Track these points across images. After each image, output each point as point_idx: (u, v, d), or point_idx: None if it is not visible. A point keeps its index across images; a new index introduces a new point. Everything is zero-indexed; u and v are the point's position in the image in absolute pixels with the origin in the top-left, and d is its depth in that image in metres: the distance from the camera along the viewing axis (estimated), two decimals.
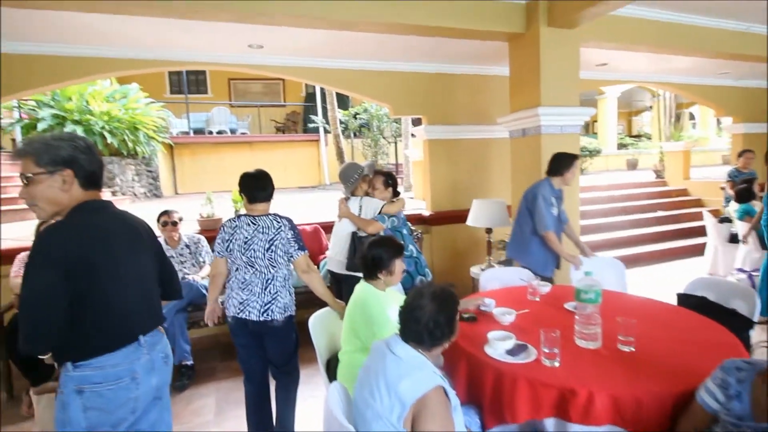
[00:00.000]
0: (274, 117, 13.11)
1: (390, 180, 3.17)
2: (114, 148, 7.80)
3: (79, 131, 7.30)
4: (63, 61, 3.65)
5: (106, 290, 1.45)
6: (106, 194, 7.79)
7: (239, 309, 2.24)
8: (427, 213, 4.93)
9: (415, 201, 7.03)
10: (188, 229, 4.13)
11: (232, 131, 11.68)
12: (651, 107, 16.14)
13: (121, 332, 1.50)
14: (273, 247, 2.20)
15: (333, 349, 2.27)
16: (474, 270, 4.19)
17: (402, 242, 2.51)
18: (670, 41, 4.11)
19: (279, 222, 2.24)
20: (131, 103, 8.26)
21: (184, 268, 3.55)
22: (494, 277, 3.02)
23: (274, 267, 2.22)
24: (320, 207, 6.61)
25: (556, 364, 1.70)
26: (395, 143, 11.12)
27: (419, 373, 1.34)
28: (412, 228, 4.26)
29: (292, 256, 2.23)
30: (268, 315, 2.21)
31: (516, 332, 1.95)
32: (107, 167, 7.99)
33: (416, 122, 9.73)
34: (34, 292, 1.34)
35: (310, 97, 13.11)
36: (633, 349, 1.81)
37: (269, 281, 2.23)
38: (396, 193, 3.20)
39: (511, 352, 1.77)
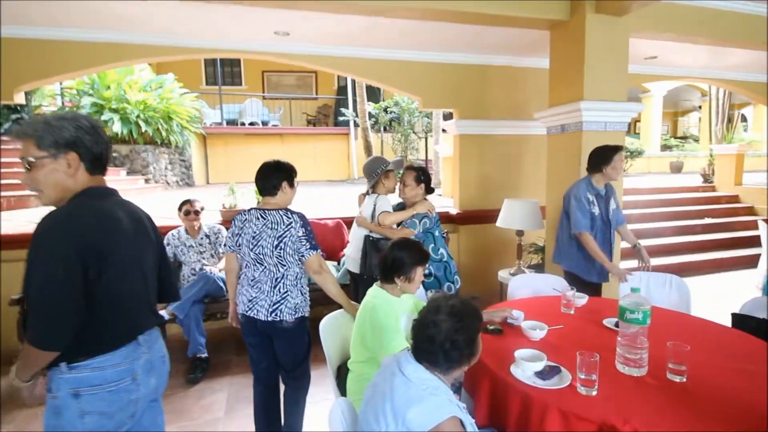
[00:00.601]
0: (305, 110, 13.12)
1: (422, 175, 2.86)
2: (148, 136, 7.95)
3: (116, 119, 7.46)
4: (87, 47, 3.63)
5: (111, 284, 1.34)
6: (139, 181, 7.95)
7: (248, 307, 2.14)
8: (454, 211, 4.73)
9: (443, 199, 6.81)
10: (211, 220, 4.08)
11: (264, 123, 11.72)
12: (700, 107, 15.15)
13: (122, 330, 1.40)
14: (282, 245, 2.06)
15: (345, 355, 2.11)
16: (502, 274, 3.95)
17: (433, 245, 2.31)
18: (729, 32, 3.71)
19: (290, 218, 2.09)
20: (166, 93, 8.38)
21: (203, 258, 3.48)
22: (525, 284, 2.80)
23: (284, 265, 2.09)
24: (347, 201, 6.49)
25: (594, 393, 1.47)
26: (426, 138, 10.87)
27: (432, 400, 1.15)
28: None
29: (303, 256, 2.09)
30: (277, 315, 2.09)
31: (547, 351, 1.73)
32: (141, 155, 8.15)
33: (447, 117, 9.45)
34: (49, 285, 1.23)
35: (342, 90, 13.03)
36: (684, 380, 1.56)
37: (279, 280, 2.10)
38: (430, 190, 2.91)
39: (542, 375, 1.56)
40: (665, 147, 13.87)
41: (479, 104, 4.58)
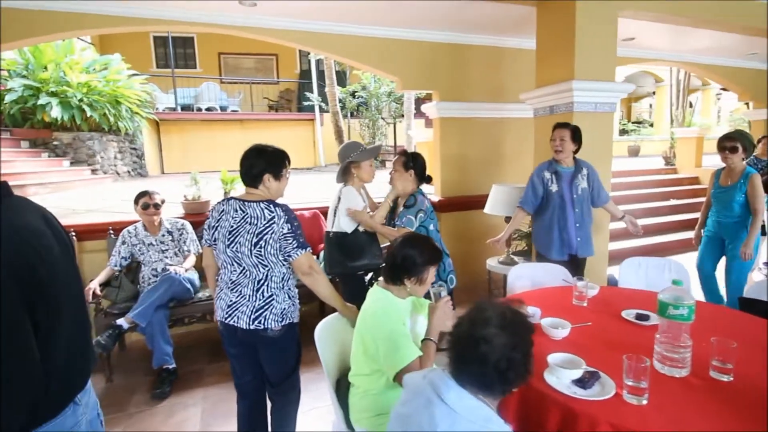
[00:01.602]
0: (267, 94, 12.58)
1: (411, 161, 2.52)
2: (94, 122, 7.24)
3: (55, 104, 6.71)
4: (33, 16, 3.10)
5: (51, 322, 0.96)
6: (85, 172, 7.24)
7: (227, 313, 1.86)
8: (436, 198, 4.53)
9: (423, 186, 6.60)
10: (172, 213, 3.70)
11: (223, 108, 11.15)
12: (654, 93, 15.72)
13: (64, 387, 1.04)
14: (262, 243, 1.78)
15: (344, 365, 1.85)
16: (491, 262, 3.81)
17: (431, 239, 2.06)
18: (712, 12, 3.66)
19: (272, 212, 1.80)
20: (113, 75, 7.65)
21: (166, 257, 3.12)
22: (524, 274, 2.64)
23: (266, 266, 1.82)
24: (316, 190, 6.18)
25: (644, 402, 1.30)
26: (394, 124, 10.66)
27: None
28: None
29: (289, 256, 1.82)
30: (260, 323, 1.82)
31: (575, 352, 1.55)
32: (86, 143, 7.42)
33: (418, 103, 9.25)
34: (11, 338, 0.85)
35: (305, 74, 12.57)
36: (732, 379, 1.42)
37: (261, 282, 1.83)
38: (425, 179, 2.61)
39: (581, 383, 1.37)
40: (623, 131, 14.31)
41: (460, 86, 4.39)
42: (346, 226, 2.55)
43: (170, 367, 2.81)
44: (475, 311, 1.07)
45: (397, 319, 1.60)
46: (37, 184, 5.90)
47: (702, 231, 3.44)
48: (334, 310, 1.98)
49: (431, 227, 2.60)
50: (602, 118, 3.27)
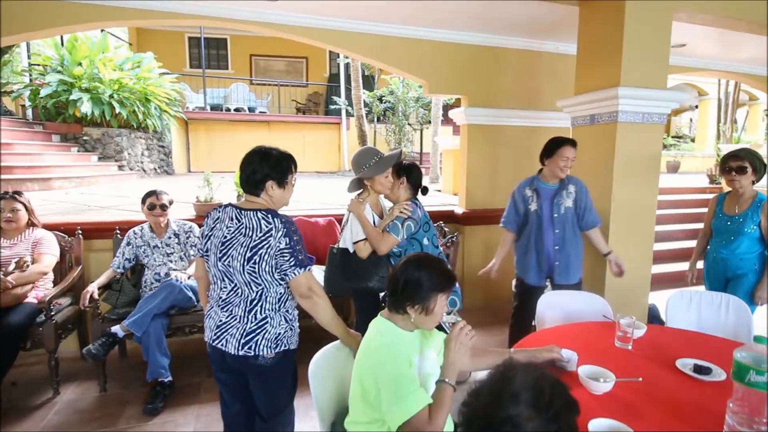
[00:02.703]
0: (295, 97, 12.64)
1: (402, 170, 2.37)
2: (123, 119, 7.33)
3: (86, 99, 6.79)
4: (57, 7, 3.04)
5: None
6: (112, 168, 7.30)
7: (215, 335, 1.67)
8: (459, 210, 4.27)
9: (444, 195, 6.35)
10: (186, 214, 3.60)
11: (251, 109, 11.24)
12: (696, 107, 14.91)
13: None
14: (256, 258, 1.58)
15: (343, 405, 1.60)
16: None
17: (442, 260, 1.80)
18: None
19: (270, 223, 1.60)
20: (144, 73, 7.74)
21: (170, 261, 2.97)
22: (555, 303, 2.33)
23: (259, 284, 1.62)
24: (338, 195, 6.00)
25: None
26: (421, 130, 10.44)
27: None
28: (443, 231, 3.57)
29: (286, 275, 1.61)
30: (250, 348, 1.62)
31: (620, 412, 1.26)
32: (115, 139, 7.49)
33: (447, 110, 8.98)
34: None
35: (334, 77, 12.54)
36: None
37: (254, 302, 1.63)
38: (419, 190, 2.44)
39: None
40: (663, 146, 13.60)
41: (491, 91, 4.14)
42: (351, 243, 2.32)
43: (165, 380, 2.63)
44: (499, 378, 0.80)
45: (403, 358, 1.36)
46: (63, 178, 5.94)
47: (696, 265, 2.95)
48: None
49: (425, 241, 2.36)
50: (651, 131, 2.96)
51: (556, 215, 2.65)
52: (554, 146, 2.59)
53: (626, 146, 2.89)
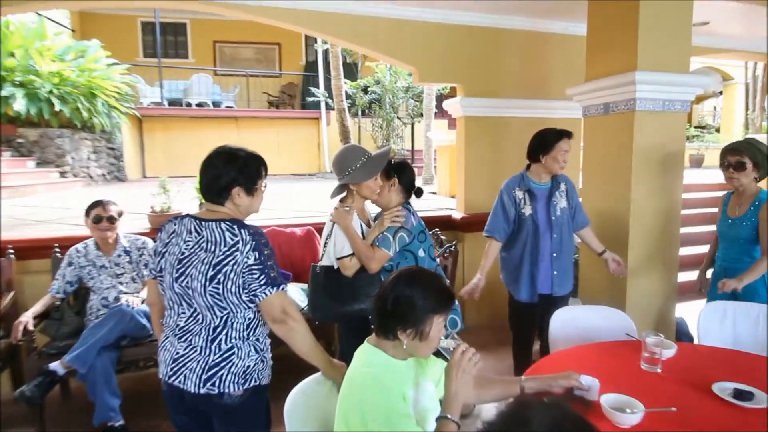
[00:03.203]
0: (266, 89, 12.60)
1: (393, 170, 2.35)
2: (65, 117, 7.23)
3: (20, 95, 6.66)
4: None
5: None
6: (52, 174, 7.17)
7: (171, 370, 1.61)
8: (458, 215, 4.28)
9: (439, 198, 6.36)
10: (137, 227, 3.56)
11: (215, 104, 11.21)
12: (720, 93, 15.21)
13: None
14: (220, 276, 1.54)
15: None
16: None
17: (438, 276, 1.78)
18: None
19: (236, 236, 1.56)
20: (89, 64, 7.63)
21: (120, 284, 2.92)
22: (570, 321, 2.33)
23: (224, 309, 1.58)
24: (318, 200, 5.96)
25: None
26: (412, 124, 10.47)
27: None
28: (439, 239, 3.55)
29: (255, 296, 1.57)
30: (214, 385, 1.57)
31: None
32: (55, 141, 7.38)
33: (441, 100, 9.01)
34: None
35: (311, 66, 12.57)
36: None
37: (218, 330, 1.59)
38: (413, 192, 2.44)
39: None
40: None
41: (491, 78, 4.15)
42: (336, 260, 2.27)
43: (116, 424, 2.56)
44: (513, 421, 0.76)
45: (395, 392, 1.33)
46: None
47: (707, 275, 2.90)
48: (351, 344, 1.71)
49: (420, 253, 2.34)
50: (673, 120, 2.99)
51: (553, 218, 2.67)
52: (551, 140, 2.61)
53: (646, 138, 2.91)
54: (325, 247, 2.28)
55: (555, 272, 2.68)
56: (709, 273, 2.89)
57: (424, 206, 5.22)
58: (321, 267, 2.28)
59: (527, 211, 2.67)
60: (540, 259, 2.66)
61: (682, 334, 3.17)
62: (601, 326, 2.25)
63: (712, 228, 4.27)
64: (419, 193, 2.48)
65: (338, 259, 2.22)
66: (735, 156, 2.54)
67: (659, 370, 1.76)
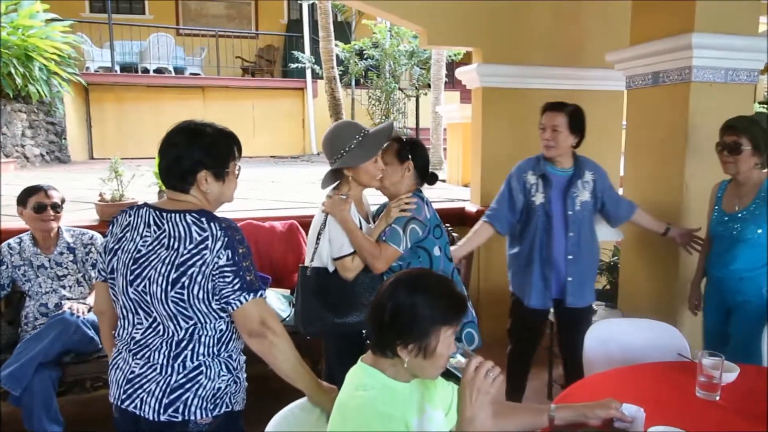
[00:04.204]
0: (240, 52, 12.67)
1: (407, 150, 2.38)
2: None
3: None
4: None
5: None
6: None
7: (125, 392, 1.62)
8: (472, 207, 4.34)
9: (450, 187, 6.38)
10: (85, 219, 3.67)
11: (178, 70, 11.32)
12: None
13: None
14: (185, 280, 1.55)
15: None
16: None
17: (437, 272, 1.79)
18: None
19: (204, 230, 1.57)
20: (23, 20, 7.64)
21: (63, 287, 2.96)
22: (608, 336, 2.34)
23: (189, 318, 1.59)
24: (302, 188, 5.98)
25: None
26: (417, 97, 10.48)
27: None
28: (451, 236, 3.56)
29: (228, 303, 1.58)
30: (177, 411, 1.58)
31: None
32: None
33: (452, 69, 9.01)
34: None
35: (295, 25, 12.63)
36: None
37: (183, 345, 1.60)
38: (427, 177, 2.47)
39: None
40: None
41: (514, 42, 4.19)
42: (331, 260, 2.27)
43: None
44: None
45: (396, 421, 1.34)
46: None
47: (701, 287, 2.80)
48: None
49: (436, 251, 2.36)
50: (737, 93, 3.01)
51: (570, 212, 2.71)
52: (540, 112, 2.77)
53: (704, 115, 2.91)
54: (317, 244, 2.28)
55: (569, 278, 2.73)
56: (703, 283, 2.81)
57: (432, 197, 5.22)
58: (312, 269, 2.29)
59: (538, 199, 2.73)
60: (552, 259, 2.73)
61: None
62: (647, 344, 2.27)
63: None
64: (433, 179, 2.50)
65: (336, 259, 2.22)
66: (731, 135, 2.46)
67: (718, 398, 1.77)
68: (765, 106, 15.08)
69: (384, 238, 2.23)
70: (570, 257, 2.71)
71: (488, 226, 2.86)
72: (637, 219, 2.86)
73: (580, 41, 4.31)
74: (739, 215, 2.49)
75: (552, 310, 2.91)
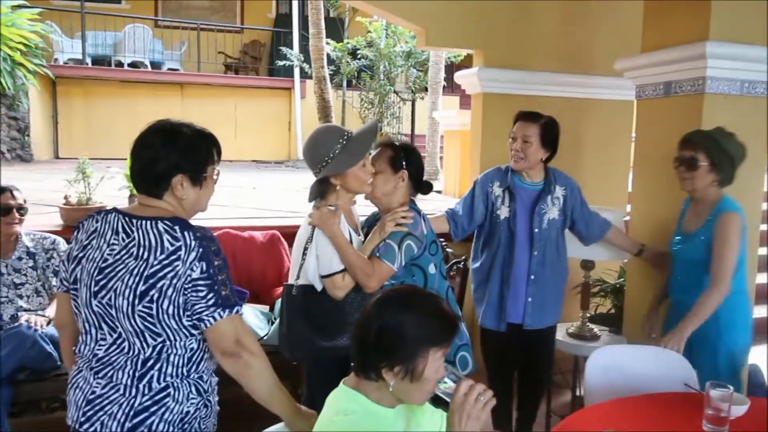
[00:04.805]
0: (223, 48, 12.70)
1: (402, 158, 2.37)
2: None
3: None
4: None
5: None
6: None
7: (84, 415, 1.63)
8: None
9: (445, 198, 6.40)
10: (48, 223, 3.66)
11: (155, 65, 11.32)
12: None
13: None
14: (154, 293, 1.56)
15: None
16: (559, 333, 3.51)
17: (437, 298, 1.79)
18: None
19: (177, 240, 1.59)
20: None
21: (20, 297, 2.98)
22: (611, 363, 2.37)
23: (157, 335, 1.60)
24: (287, 196, 5.98)
25: None
26: (413, 101, 10.53)
27: None
28: (445, 253, 3.58)
29: (201, 320, 1.59)
30: None
31: None
32: None
33: (451, 72, 9.07)
34: None
35: (283, 20, 12.70)
36: None
37: (150, 364, 1.60)
38: (422, 187, 2.49)
39: None
40: None
41: (519, 45, 4.20)
42: (318, 278, 2.27)
43: None
44: None
45: None
46: None
47: (658, 313, 2.83)
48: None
49: (431, 269, 2.39)
50: (754, 106, 3.04)
51: (536, 230, 2.79)
52: (513, 122, 2.87)
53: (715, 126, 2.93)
54: (303, 259, 2.28)
55: (530, 299, 2.80)
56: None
57: (427, 209, 5.24)
58: (298, 287, 2.28)
59: (503, 213, 2.81)
60: (512, 278, 2.80)
61: (756, 386, 3.22)
62: (652, 373, 2.29)
63: None
64: (427, 189, 2.52)
65: (325, 276, 2.21)
66: (687, 150, 2.52)
67: None
68: None
69: (378, 254, 2.23)
70: (532, 277, 2.80)
71: (445, 220, 2.94)
72: (611, 238, 2.95)
73: (588, 47, 4.34)
74: (694, 235, 2.53)
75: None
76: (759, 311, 4.82)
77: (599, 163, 4.45)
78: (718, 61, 2.89)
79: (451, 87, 9.93)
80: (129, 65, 10.92)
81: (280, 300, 3.29)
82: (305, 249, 2.27)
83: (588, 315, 3.57)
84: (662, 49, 3.11)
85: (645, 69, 3.27)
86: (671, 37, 3.08)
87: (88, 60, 10.71)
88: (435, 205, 5.69)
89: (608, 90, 4.32)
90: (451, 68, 9.32)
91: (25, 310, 2.90)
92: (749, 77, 2.99)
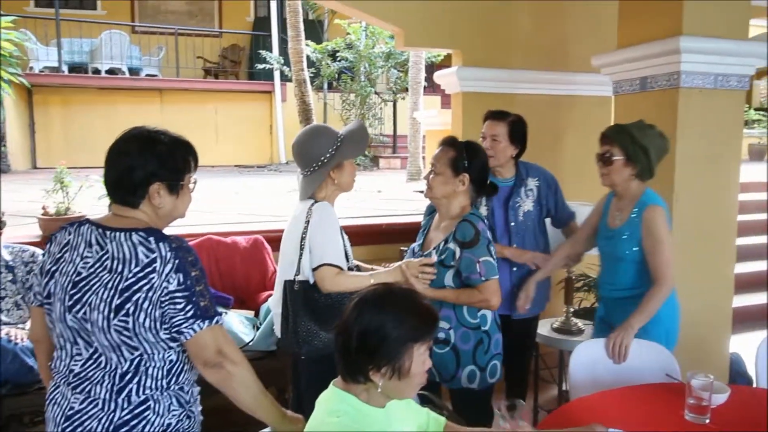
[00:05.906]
0: (201, 52, 12.64)
1: (463, 158, 2.32)
2: None
3: None
4: None
5: None
6: None
7: (64, 431, 1.60)
8: None
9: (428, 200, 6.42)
10: (25, 235, 3.64)
11: (133, 71, 11.24)
12: None
13: None
14: (130, 306, 1.54)
15: None
16: (543, 328, 3.53)
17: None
18: None
19: (152, 251, 1.56)
20: None
21: (1, 311, 2.91)
22: (595, 357, 2.38)
23: (134, 349, 1.57)
24: (270, 201, 5.96)
25: None
26: (394, 102, 10.55)
27: None
28: None
29: (180, 333, 1.57)
30: None
31: None
32: None
33: (431, 71, 9.11)
34: None
35: (262, 23, 12.65)
36: None
37: (128, 378, 1.58)
38: (485, 190, 2.47)
39: None
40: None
41: (498, 44, 4.21)
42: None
43: None
44: None
45: None
46: None
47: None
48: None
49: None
50: (728, 100, 3.08)
51: (512, 223, 2.86)
52: (482, 120, 2.95)
53: (693, 122, 2.97)
54: (301, 254, 2.31)
55: (514, 289, 2.83)
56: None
57: (406, 209, 5.24)
58: (299, 283, 2.31)
59: (483, 212, 2.81)
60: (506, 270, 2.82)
61: (737, 375, 3.26)
62: (635, 365, 2.30)
63: None
64: (493, 190, 2.50)
65: (315, 269, 2.25)
66: (602, 145, 2.53)
67: (708, 421, 1.81)
68: (762, 113, 15.50)
69: (483, 278, 2.25)
70: (514, 269, 2.85)
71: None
72: (572, 229, 3.03)
73: (565, 44, 4.37)
74: (617, 230, 2.52)
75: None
76: (741, 300, 4.88)
77: (579, 159, 4.46)
78: (692, 56, 2.93)
79: (432, 87, 9.96)
80: (106, 72, 10.81)
81: (265, 304, 3.30)
82: (302, 245, 2.31)
83: (572, 309, 3.58)
84: (637, 45, 3.13)
85: (621, 65, 3.30)
86: (646, 32, 3.10)
87: (65, 68, 10.61)
88: (418, 205, 5.70)
89: (586, 86, 4.34)
90: (431, 68, 9.35)
91: (5, 324, 2.84)
92: (723, 71, 3.03)
